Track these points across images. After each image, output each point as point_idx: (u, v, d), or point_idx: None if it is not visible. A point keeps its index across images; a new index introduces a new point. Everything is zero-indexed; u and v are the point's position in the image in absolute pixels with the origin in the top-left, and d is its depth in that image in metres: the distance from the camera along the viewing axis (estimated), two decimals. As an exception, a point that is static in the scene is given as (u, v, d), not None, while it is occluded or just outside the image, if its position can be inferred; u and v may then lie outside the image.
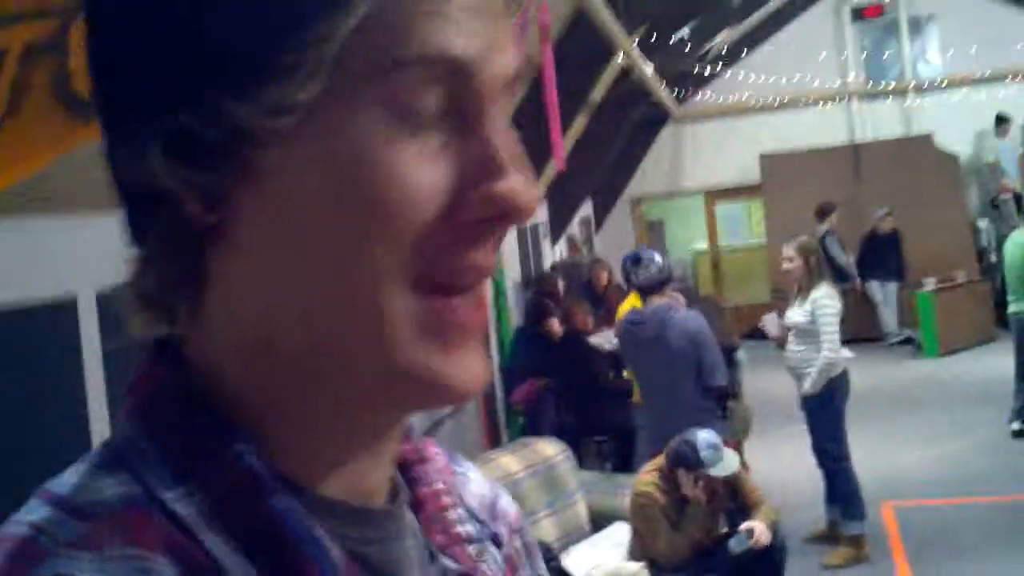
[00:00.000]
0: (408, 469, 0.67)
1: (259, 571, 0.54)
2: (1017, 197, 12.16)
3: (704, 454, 4.63)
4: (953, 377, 10.35)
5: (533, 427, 6.63)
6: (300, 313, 0.55)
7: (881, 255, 12.23)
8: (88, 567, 0.49)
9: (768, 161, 13.39)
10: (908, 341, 12.09)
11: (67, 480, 0.55)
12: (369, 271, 0.53)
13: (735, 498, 4.90)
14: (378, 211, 0.52)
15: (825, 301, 5.66)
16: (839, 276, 11.12)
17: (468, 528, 0.69)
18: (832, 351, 5.61)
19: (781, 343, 6.07)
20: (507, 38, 0.56)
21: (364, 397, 0.57)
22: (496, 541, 0.72)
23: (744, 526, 4.68)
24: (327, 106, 0.52)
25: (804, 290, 5.78)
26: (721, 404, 5.87)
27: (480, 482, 0.76)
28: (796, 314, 5.80)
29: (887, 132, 13.74)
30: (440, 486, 0.68)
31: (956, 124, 13.33)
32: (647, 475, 4.88)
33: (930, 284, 11.56)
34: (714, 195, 15.03)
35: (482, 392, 0.53)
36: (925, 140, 13.19)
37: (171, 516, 0.53)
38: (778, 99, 13.58)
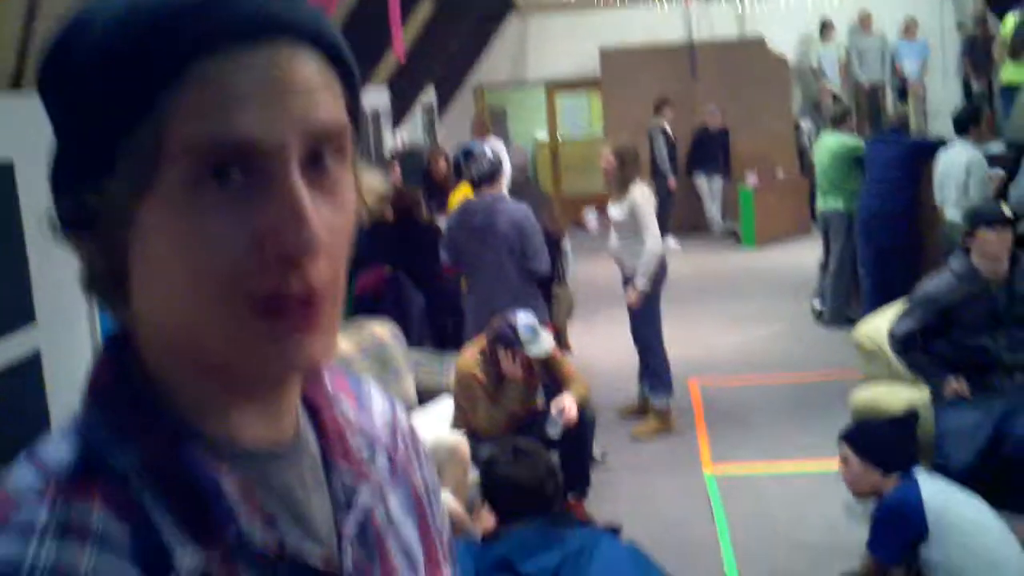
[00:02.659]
0: (316, 406, 0.89)
1: (173, 509, 0.75)
2: (836, 100, 12.83)
3: (522, 334, 4.98)
4: (768, 267, 11.06)
5: (380, 313, 6.77)
6: (175, 324, 0.76)
7: (710, 150, 12.79)
8: (44, 513, 0.72)
9: (607, 56, 13.70)
10: (731, 233, 12.78)
11: (44, 445, 0.78)
12: (208, 304, 0.73)
13: (551, 375, 5.29)
14: (196, 267, 0.72)
15: (637, 199, 6.04)
16: (657, 172, 11.66)
17: (361, 449, 0.90)
18: (653, 246, 6.01)
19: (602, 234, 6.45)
20: (306, 105, 0.73)
21: (236, 376, 0.78)
22: (388, 453, 0.94)
23: (554, 407, 5.06)
24: (155, 184, 0.72)
25: (620, 189, 6.15)
26: (544, 289, 6.24)
27: (381, 404, 0.98)
28: (614, 211, 6.19)
29: (722, 33, 14.22)
30: (340, 418, 0.90)
31: (785, 28, 13.91)
32: (470, 353, 5.22)
33: (752, 179, 12.21)
34: (555, 87, 15.30)
35: (322, 365, 0.77)
36: (758, 42, 13.72)
37: (111, 473, 0.75)
38: (620, -6, 13.83)
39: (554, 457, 5.36)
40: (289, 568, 0.79)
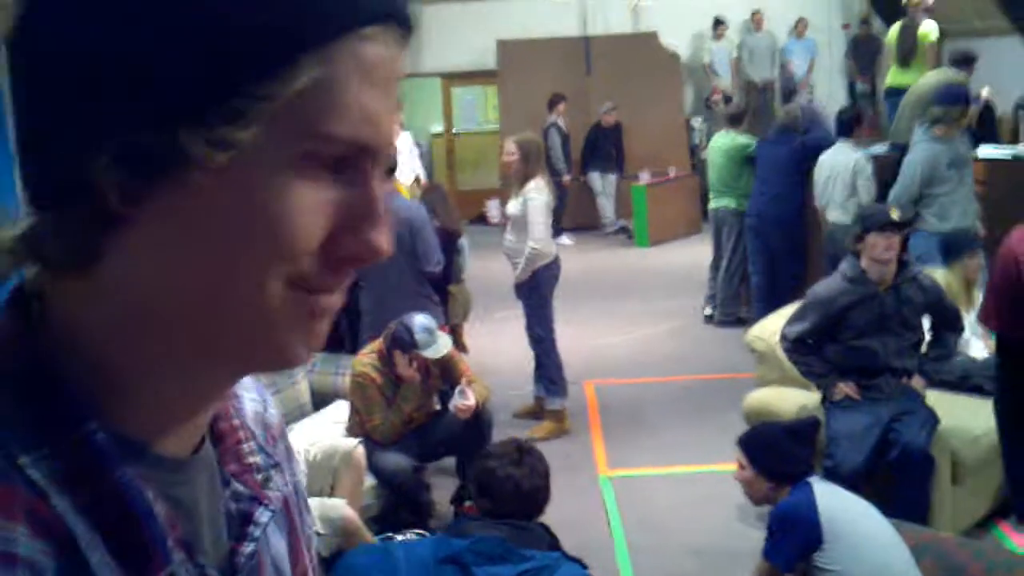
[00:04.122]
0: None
1: (101, 532, 0.65)
2: (727, 99, 13.02)
3: (418, 337, 4.91)
4: (660, 266, 11.16)
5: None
6: (191, 295, 0.66)
7: (603, 147, 12.86)
8: None
9: (504, 48, 13.67)
10: (623, 231, 12.87)
11: None
12: (256, 274, 0.66)
13: (448, 378, 5.23)
14: (272, 239, 0.65)
15: (533, 194, 6.01)
16: (552, 170, 11.68)
17: (257, 459, 0.82)
18: (537, 242, 6.00)
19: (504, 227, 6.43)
20: (394, 118, 0.70)
21: (226, 363, 0.71)
22: (276, 464, 0.85)
23: (460, 387, 5.04)
24: (253, 147, 0.64)
25: (519, 183, 6.11)
26: (440, 288, 6.17)
27: (252, 397, 0.88)
28: (512, 205, 6.15)
29: (617, 27, 14.30)
30: (236, 421, 0.82)
31: (678, 24, 14.06)
32: (366, 356, 5.12)
33: (644, 177, 12.31)
34: (451, 79, 15.19)
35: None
36: (651, 37, 13.84)
37: (26, 481, 0.63)
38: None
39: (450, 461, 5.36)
40: None
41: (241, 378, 0.77)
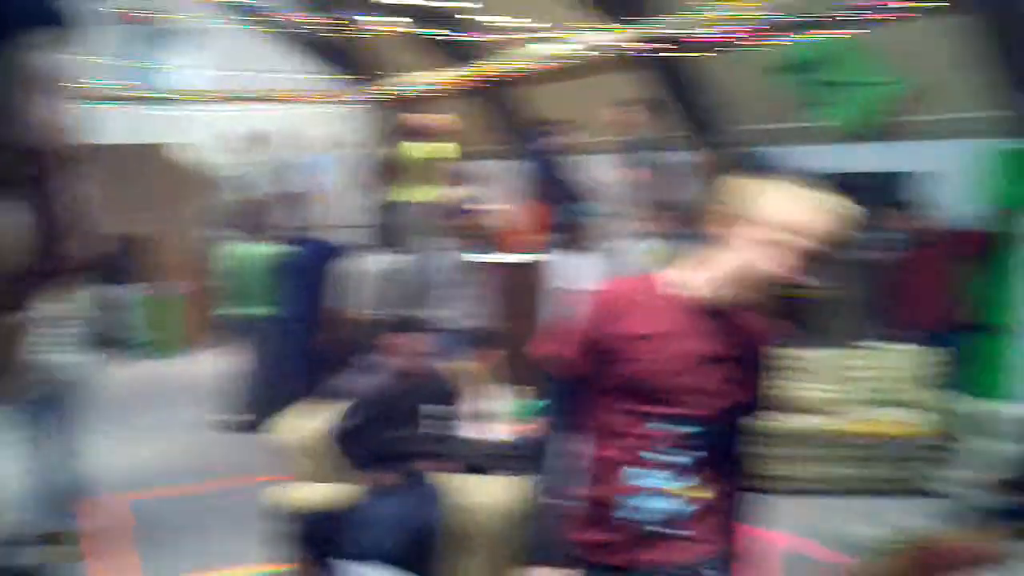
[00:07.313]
0: None
1: None
2: (249, 210, 13.11)
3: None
4: (174, 375, 11.20)
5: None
6: None
7: (118, 258, 12.43)
8: None
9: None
10: (141, 344, 12.44)
11: None
12: None
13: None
14: None
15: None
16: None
17: None
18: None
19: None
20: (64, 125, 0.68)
21: None
22: None
23: None
24: None
25: None
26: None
27: None
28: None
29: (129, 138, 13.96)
30: None
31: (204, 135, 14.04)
32: None
33: (158, 287, 12.14)
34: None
35: None
36: (159, 148, 13.72)
37: None
38: None
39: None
40: None
41: None
